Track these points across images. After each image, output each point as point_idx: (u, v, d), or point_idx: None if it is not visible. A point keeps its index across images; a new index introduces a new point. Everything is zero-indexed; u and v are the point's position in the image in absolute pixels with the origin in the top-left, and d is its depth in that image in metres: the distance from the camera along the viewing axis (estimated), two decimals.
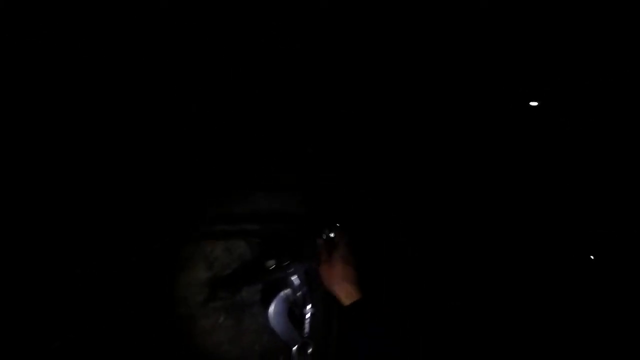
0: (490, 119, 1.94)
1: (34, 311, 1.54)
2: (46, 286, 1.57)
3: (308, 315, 1.39)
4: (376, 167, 1.95)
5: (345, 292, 1.33)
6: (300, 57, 1.83)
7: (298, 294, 1.38)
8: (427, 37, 1.83)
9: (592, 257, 1.79)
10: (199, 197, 1.79)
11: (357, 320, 1.29)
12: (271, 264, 1.46)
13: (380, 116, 1.93)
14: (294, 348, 1.33)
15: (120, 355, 1.58)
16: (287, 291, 1.37)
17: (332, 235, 1.49)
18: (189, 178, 1.78)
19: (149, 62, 1.72)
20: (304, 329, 1.38)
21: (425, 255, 1.94)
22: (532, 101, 1.86)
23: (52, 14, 1.57)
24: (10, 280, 1.54)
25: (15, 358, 1.49)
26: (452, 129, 1.95)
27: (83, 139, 1.68)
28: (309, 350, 1.35)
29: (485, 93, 1.91)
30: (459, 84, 1.90)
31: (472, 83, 1.90)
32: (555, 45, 1.81)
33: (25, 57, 1.58)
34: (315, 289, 1.43)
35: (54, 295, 1.57)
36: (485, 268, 1.91)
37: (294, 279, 1.37)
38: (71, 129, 1.67)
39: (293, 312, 1.40)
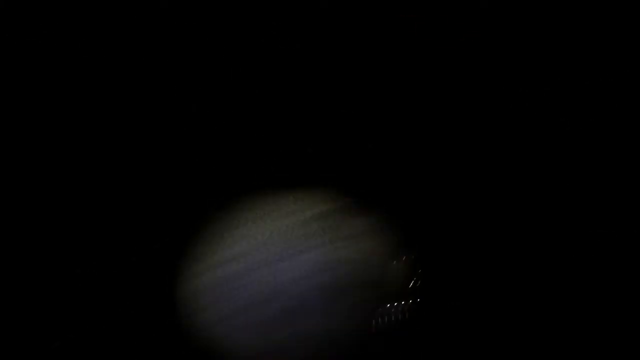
0: (490, 119, 1.93)
1: (34, 311, 1.54)
2: (46, 286, 1.57)
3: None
4: (376, 167, 1.95)
5: None
6: (300, 57, 1.83)
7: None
8: (427, 37, 1.83)
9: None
10: (198, 198, 1.79)
11: None
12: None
13: (381, 116, 1.93)
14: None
15: (120, 355, 1.58)
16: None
17: None
18: (189, 178, 1.78)
19: (149, 62, 1.72)
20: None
21: (424, 255, 1.94)
22: (532, 102, 1.86)
23: (52, 14, 1.56)
24: (11, 280, 1.54)
25: (15, 358, 1.49)
26: (452, 129, 1.95)
27: (83, 138, 1.68)
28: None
29: (485, 93, 1.91)
30: (459, 84, 1.90)
31: (472, 83, 1.90)
32: (556, 45, 1.81)
33: (25, 57, 1.58)
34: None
35: (54, 295, 1.57)
36: (485, 268, 1.91)
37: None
38: (71, 129, 1.67)
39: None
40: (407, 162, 1.96)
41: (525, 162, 1.92)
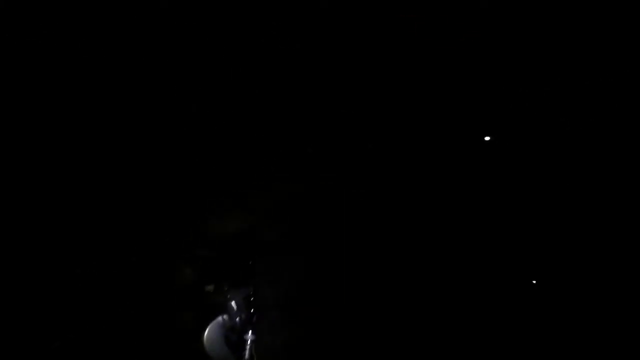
0: (489, 119, 1.94)
1: (34, 311, 1.54)
2: (46, 286, 1.57)
3: (248, 342, 1.34)
4: (375, 166, 1.94)
5: None
6: (300, 57, 1.83)
7: (236, 319, 1.35)
8: (427, 37, 1.83)
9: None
10: (198, 197, 1.79)
11: None
12: (210, 288, 1.43)
13: (380, 116, 1.93)
14: None
15: (120, 355, 1.57)
16: (224, 316, 1.35)
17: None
18: (189, 178, 1.78)
19: (149, 62, 1.72)
20: (244, 355, 1.34)
21: (421, 254, 1.94)
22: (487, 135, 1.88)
23: (52, 14, 1.56)
24: (11, 280, 1.54)
25: (15, 358, 1.49)
26: (451, 129, 1.95)
27: (83, 139, 1.68)
28: None
29: (485, 93, 1.91)
30: (458, 84, 1.90)
31: (472, 83, 1.90)
32: (555, 45, 1.81)
33: (25, 57, 1.57)
34: (256, 315, 1.39)
35: (54, 295, 1.57)
36: (481, 267, 1.91)
37: (233, 304, 1.36)
38: (71, 130, 1.66)
39: (229, 338, 1.35)
40: (407, 162, 1.96)
41: (524, 162, 1.92)
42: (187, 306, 1.52)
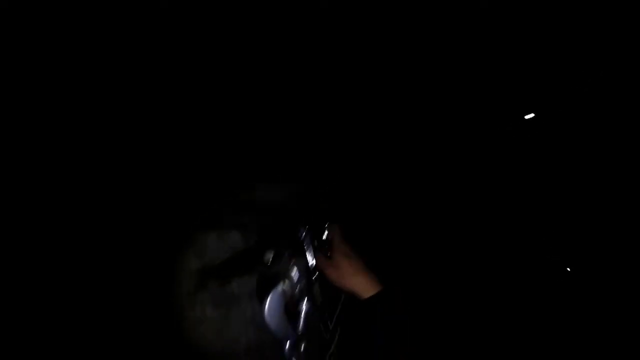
0: (489, 120, 1.94)
1: (34, 311, 1.54)
2: (46, 286, 1.58)
3: (304, 312, 1.31)
4: (375, 165, 1.95)
5: (362, 286, 1.23)
6: (300, 57, 1.83)
7: (296, 289, 1.31)
8: (427, 37, 1.83)
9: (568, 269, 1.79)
10: (198, 196, 1.79)
11: (374, 312, 1.20)
12: (269, 256, 1.35)
13: (380, 116, 1.93)
14: (287, 345, 1.25)
15: (120, 355, 1.58)
16: (285, 285, 1.30)
17: (326, 232, 1.41)
18: (188, 179, 1.78)
19: (149, 62, 1.72)
20: (299, 325, 1.31)
21: (422, 253, 1.94)
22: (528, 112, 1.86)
23: (52, 13, 1.57)
24: (11, 280, 1.54)
25: (15, 358, 1.49)
26: (451, 129, 1.95)
27: (83, 138, 1.68)
28: (302, 348, 1.28)
29: (484, 94, 1.91)
30: (458, 85, 1.90)
31: (471, 83, 1.90)
32: (555, 45, 1.81)
33: (25, 57, 1.58)
34: (314, 285, 1.35)
35: (54, 295, 1.58)
36: (484, 266, 1.91)
37: (294, 273, 1.31)
38: (71, 129, 1.67)
39: (288, 307, 1.31)
40: (407, 162, 1.96)
41: (524, 163, 1.92)
42: (242, 274, 1.42)
